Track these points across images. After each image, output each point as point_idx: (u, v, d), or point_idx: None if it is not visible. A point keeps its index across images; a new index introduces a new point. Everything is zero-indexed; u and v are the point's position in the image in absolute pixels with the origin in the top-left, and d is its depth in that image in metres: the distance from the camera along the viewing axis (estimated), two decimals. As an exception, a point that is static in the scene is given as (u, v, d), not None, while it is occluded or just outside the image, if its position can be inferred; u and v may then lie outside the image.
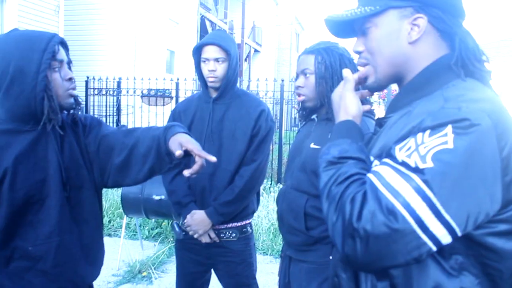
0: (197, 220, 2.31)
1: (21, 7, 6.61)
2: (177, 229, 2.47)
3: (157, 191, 4.34)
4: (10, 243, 1.54)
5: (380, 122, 1.21)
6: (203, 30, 15.05)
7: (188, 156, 1.57)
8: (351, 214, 0.94)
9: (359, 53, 1.22)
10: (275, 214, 5.44)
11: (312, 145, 1.94)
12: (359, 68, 1.28)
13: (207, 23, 15.46)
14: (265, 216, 5.54)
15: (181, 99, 7.91)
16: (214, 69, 2.29)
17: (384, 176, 0.95)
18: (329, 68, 1.91)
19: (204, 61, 2.32)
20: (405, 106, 1.11)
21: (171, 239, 5.22)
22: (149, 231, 5.45)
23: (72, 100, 1.63)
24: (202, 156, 1.50)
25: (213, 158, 1.51)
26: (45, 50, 1.50)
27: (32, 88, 1.49)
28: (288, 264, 2.08)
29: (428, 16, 1.11)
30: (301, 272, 1.99)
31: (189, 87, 7.98)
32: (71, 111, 1.68)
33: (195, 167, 1.50)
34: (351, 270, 1.12)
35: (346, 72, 1.27)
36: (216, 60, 2.29)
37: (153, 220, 5.40)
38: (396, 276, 1.02)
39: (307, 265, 1.97)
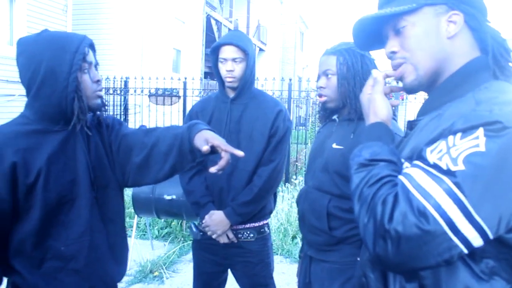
0: (216, 221, 2.30)
1: (30, 7, 6.61)
2: (194, 229, 2.47)
3: (168, 191, 4.35)
4: (43, 244, 1.55)
5: (411, 125, 1.21)
6: (208, 29, 15.04)
7: (213, 153, 1.58)
8: (382, 215, 0.94)
9: (393, 53, 1.21)
10: (284, 214, 5.48)
11: (335, 146, 1.94)
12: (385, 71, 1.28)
13: (213, 22, 15.46)
14: (274, 216, 5.54)
15: (188, 99, 7.92)
16: (232, 69, 2.28)
17: (415, 178, 0.95)
18: (351, 69, 1.90)
19: (222, 61, 2.32)
20: (436, 108, 1.11)
21: (181, 238, 5.23)
22: (158, 231, 5.45)
23: (99, 101, 1.64)
24: (229, 151, 1.52)
25: (240, 153, 1.53)
26: (76, 52, 1.51)
27: (63, 89, 1.50)
28: (308, 264, 2.08)
29: (463, 13, 1.12)
30: (323, 272, 1.98)
31: (196, 87, 7.98)
32: (97, 112, 1.69)
33: (222, 162, 1.52)
34: (380, 271, 1.12)
35: (375, 73, 1.27)
36: (234, 60, 2.28)
37: (163, 219, 5.40)
38: (426, 277, 1.02)
39: (329, 265, 1.96)
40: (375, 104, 1.23)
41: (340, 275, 1.92)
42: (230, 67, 2.28)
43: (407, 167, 1.04)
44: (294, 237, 5.30)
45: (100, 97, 1.64)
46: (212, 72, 15.83)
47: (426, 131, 1.06)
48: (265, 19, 21.81)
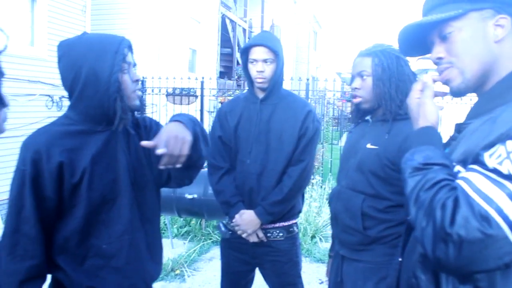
0: (246, 220, 2.32)
1: (51, 7, 6.68)
2: (223, 228, 2.49)
3: (189, 190, 4.37)
4: (85, 242, 1.59)
5: (459, 128, 1.21)
6: (223, 29, 15.07)
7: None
8: (442, 219, 0.95)
9: (440, 59, 1.22)
10: (303, 214, 5.49)
11: (369, 146, 1.95)
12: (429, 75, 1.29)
13: (227, 22, 15.49)
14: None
15: (205, 98, 7.96)
16: (263, 70, 2.30)
17: (475, 183, 0.96)
18: (387, 70, 1.91)
19: (252, 62, 2.33)
20: (487, 112, 1.12)
21: (201, 237, 5.26)
22: (178, 229, 5.49)
23: (138, 101, 1.67)
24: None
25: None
26: (116, 53, 1.55)
27: (105, 90, 1.53)
28: (340, 263, 2.09)
29: (510, 16, 1.13)
30: (356, 272, 1.99)
31: (212, 86, 8.01)
32: (136, 112, 1.73)
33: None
34: (431, 272, 1.12)
35: (426, 78, 1.28)
36: (265, 61, 2.30)
37: (182, 218, 5.44)
38: (481, 280, 1.02)
39: (363, 265, 1.97)
40: (425, 108, 1.24)
41: (374, 275, 1.93)
42: (261, 68, 2.30)
43: (460, 171, 1.06)
44: (313, 237, 5.31)
45: (139, 97, 1.68)
46: (226, 71, 15.91)
47: (478, 135, 1.06)
48: (279, 18, 21.78)
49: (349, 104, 7.94)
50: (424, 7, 1.27)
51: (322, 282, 4.28)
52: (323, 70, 30.00)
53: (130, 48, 1.66)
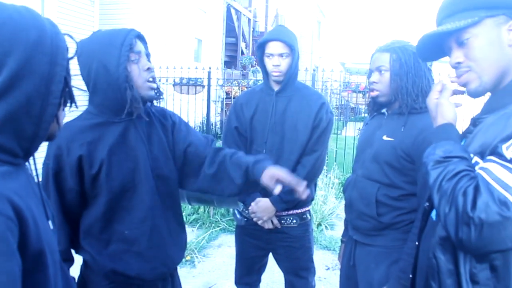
0: (262, 207, 2.43)
1: (61, -1, 6.77)
2: (238, 216, 2.60)
3: (200, 179, 4.48)
4: (109, 227, 1.69)
5: (475, 122, 1.32)
6: (228, 18, 15.10)
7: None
8: (464, 205, 1.07)
9: (458, 63, 1.32)
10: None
11: (385, 137, 2.04)
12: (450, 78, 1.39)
13: (232, 11, 15.51)
14: (299, 204, 5.65)
15: (212, 88, 8.04)
16: (279, 64, 2.38)
17: (494, 172, 1.08)
18: (404, 66, 1.99)
19: (269, 56, 2.42)
20: (501, 108, 1.23)
21: (209, 225, 5.37)
22: (186, 217, 5.60)
23: (152, 92, 1.73)
24: (296, 184, 1.76)
25: (302, 188, 1.77)
26: (123, 44, 1.61)
27: (115, 80, 1.61)
28: (353, 247, 2.21)
29: None
30: (370, 256, 2.11)
31: (218, 76, 8.08)
32: (153, 102, 1.81)
33: (301, 196, 1.81)
34: (450, 253, 1.23)
35: (444, 80, 1.39)
36: (281, 55, 2.38)
37: (190, 206, 5.55)
38: (496, 259, 1.15)
39: (376, 249, 2.09)
40: (443, 108, 1.35)
41: (386, 258, 2.04)
42: (277, 62, 2.38)
43: (478, 162, 1.17)
44: (319, 224, 5.42)
45: (153, 88, 1.72)
46: (231, 61, 15.93)
47: (494, 129, 1.17)
48: (283, 8, 21.77)
49: (354, 94, 8.02)
50: (439, 15, 1.36)
51: (328, 269, 4.39)
52: (327, 60, 29.97)
53: (140, 38, 1.71)
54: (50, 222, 1.02)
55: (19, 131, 0.90)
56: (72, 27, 6.98)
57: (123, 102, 1.63)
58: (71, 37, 1.03)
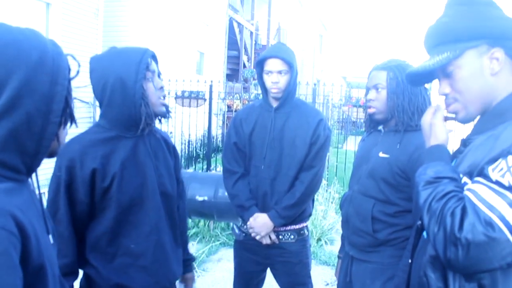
0: (260, 223, 2.45)
1: (65, 11, 6.82)
2: (237, 230, 2.62)
3: (200, 192, 4.51)
4: (115, 241, 1.72)
5: (465, 142, 1.36)
6: (231, 32, 15.21)
7: None
8: (452, 225, 1.11)
9: (445, 95, 1.36)
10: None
11: (381, 154, 2.08)
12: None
13: (235, 24, 15.63)
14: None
15: (214, 101, 8.07)
16: (277, 81, 2.42)
17: (480, 194, 1.12)
18: (400, 84, 2.03)
19: (267, 73, 2.45)
20: (489, 129, 1.26)
21: (209, 239, 5.37)
22: (186, 230, 5.60)
23: (163, 108, 1.80)
24: None
25: None
26: (140, 62, 1.68)
27: (132, 97, 1.67)
28: (349, 264, 2.22)
29: (503, 47, 1.27)
30: (365, 272, 2.12)
31: (220, 89, 8.12)
32: (162, 118, 1.87)
33: None
34: (440, 271, 1.25)
35: (437, 103, 1.43)
36: (279, 72, 2.42)
37: (190, 220, 5.56)
38: (484, 278, 1.16)
39: (371, 265, 2.10)
40: (436, 129, 1.39)
41: (382, 275, 2.05)
42: (276, 79, 2.42)
43: (467, 183, 1.20)
44: (319, 239, 5.42)
45: (164, 104, 1.81)
46: (233, 74, 16.02)
47: (482, 149, 1.20)
48: (286, 21, 21.92)
49: (355, 109, 8.05)
50: (426, 43, 1.40)
51: (327, 284, 4.39)
52: (328, 73, 30.10)
53: (154, 57, 1.79)
54: (50, 237, 1.05)
55: (22, 148, 0.93)
56: (76, 39, 7.06)
57: (137, 118, 1.70)
58: (73, 57, 1.06)
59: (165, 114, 1.84)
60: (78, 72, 1.08)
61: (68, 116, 1.04)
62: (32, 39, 0.95)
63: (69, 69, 1.02)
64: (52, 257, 1.00)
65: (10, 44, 0.91)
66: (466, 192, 1.15)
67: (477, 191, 1.12)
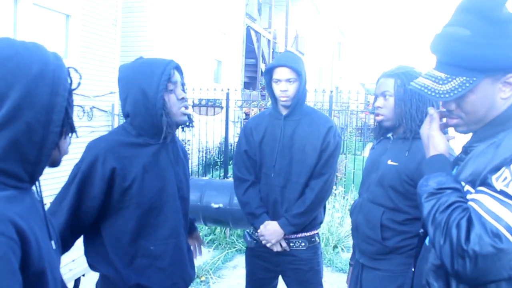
0: (270, 230, 2.46)
1: (84, 22, 6.96)
2: (248, 238, 2.63)
3: (215, 200, 4.53)
4: (136, 243, 1.78)
5: (466, 150, 1.35)
6: (248, 40, 15.30)
7: None
8: (458, 237, 1.10)
9: (450, 111, 1.34)
10: (325, 224, 5.58)
11: (390, 162, 2.07)
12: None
13: (252, 33, 15.72)
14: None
15: (230, 109, 8.14)
16: (286, 89, 2.43)
17: (485, 204, 1.11)
18: (408, 91, 2.02)
19: (276, 82, 2.47)
20: (490, 137, 1.26)
21: (225, 245, 5.40)
22: (203, 237, 5.63)
23: (185, 118, 1.87)
24: None
25: None
26: (162, 74, 1.75)
27: (153, 106, 1.74)
28: (360, 271, 2.22)
29: None
30: (375, 279, 2.12)
31: (237, 97, 8.18)
32: (184, 127, 1.94)
33: None
34: (443, 280, 1.25)
35: (431, 110, 1.42)
36: (288, 80, 2.43)
37: (207, 227, 5.59)
38: (489, 287, 1.15)
39: (381, 273, 2.10)
40: (434, 140, 1.38)
41: (391, 283, 2.05)
42: (284, 87, 2.43)
43: (471, 193, 1.19)
44: (335, 247, 5.40)
45: (186, 114, 1.87)
46: (251, 82, 16.08)
47: (484, 158, 1.20)
48: (303, 29, 21.96)
49: (372, 116, 8.02)
50: (437, 52, 1.33)
51: (343, 292, 4.37)
52: (347, 80, 29.99)
53: (178, 69, 1.86)
54: (52, 242, 1.08)
55: (23, 157, 0.97)
56: (94, 49, 7.19)
57: (159, 127, 1.77)
58: (76, 70, 1.10)
59: (187, 123, 1.91)
60: (79, 84, 1.11)
61: (68, 126, 1.07)
62: (33, 52, 0.99)
63: (70, 81, 1.06)
64: (54, 263, 1.03)
65: (12, 58, 0.95)
66: (471, 203, 1.15)
67: (482, 202, 1.11)
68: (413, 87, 1.35)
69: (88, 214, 1.74)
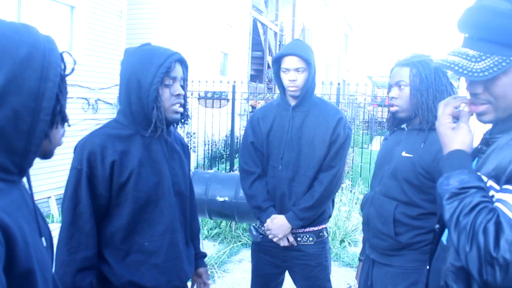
0: (277, 224, 2.38)
1: (89, 14, 6.89)
2: (254, 232, 2.55)
3: (220, 193, 4.46)
4: (130, 238, 1.72)
5: (487, 141, 1.24)
6: (255, 32, 15.18)
7: None
8: (486, 244, 0.99)
9: (476, 94, 1.22)
10: (332, 218, 5.51)
11: (404, 154, 1.98)
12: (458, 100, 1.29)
13: (259, 25, 15.59)
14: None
15: (237, 102, 8.06)
16: (295, 79, 2.35)
17: None
18: (424, 81, 1.93)
19: (285, 71, 2.38)
20: None
21: (230, 239, 5.34)
22: (208, 231, 5.58)
23: (177, 116, 1.78)
24: None
25: None
26: (161, 66, 1.66)
27: (145, 98, 1.66)
28: (370, 267, 2.14)
29: None
30: (387, 276, 2.03)
31: (243, 90, 8.10)
32: (176, 125, 1.87)
33: None
34: (464, 282, 1.16)
35: (464, 106, 1.28)
36: (297, 70, 2.34)
37: (212, 220, 5.54)
38: None
39: (393, 269, 2.01)
40: (463, 132, 1.24)
41: (404, 280, 1.96)
42: (293, 76, 2.34)
43: (492, 186, 1.09)
44: (342, 241, 5.33)
45: (178, 112, 1.77)
46: (257, 75, 15.98)
47: (509, 151, 1.09)
48: (310, 22, 21.77)
49: (379, 108, 7.91)
50: (466, 28, 1.22)
51: (350, 286, 4.29)
52: (354, 73, 29.81)
53: (180, 62, 1.76)
54: (43, 239, 1.00)
55: (9, 147, 0.89)
56: (99, 41, 7.12)
57: (149, 119, 1.70)
58: (69, 54, 1.02)
59: (178, 121, 1.83)
60: (73, 69, 1.03)
61: (60, 115, 0.99)
62: (22, 34, 0.91)
63: (63, 66, 0.98)
64: (44, 261, 0.95)
65: None
66: (498, 204, 1.04)
67: (511, 203, 1.01)
68: (439, 64, 1.22)
69: (100, 213, 1.69)
